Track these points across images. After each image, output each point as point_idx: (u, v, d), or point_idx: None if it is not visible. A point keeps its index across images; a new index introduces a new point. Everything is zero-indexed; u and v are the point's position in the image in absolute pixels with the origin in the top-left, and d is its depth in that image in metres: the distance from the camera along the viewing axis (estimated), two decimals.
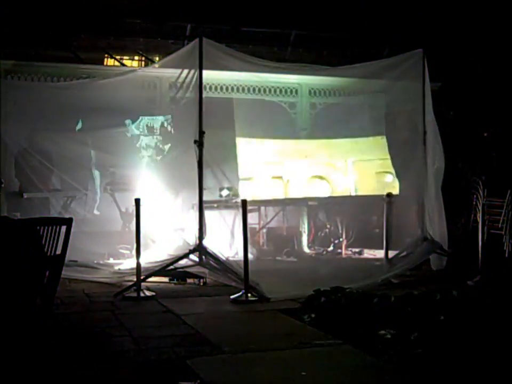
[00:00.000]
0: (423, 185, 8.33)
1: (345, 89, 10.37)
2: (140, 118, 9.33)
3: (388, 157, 9.57)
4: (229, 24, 11.67)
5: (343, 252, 9.79)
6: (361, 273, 7.40)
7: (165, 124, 9.41)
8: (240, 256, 7.27)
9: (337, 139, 9.87)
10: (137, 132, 9.29)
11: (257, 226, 9.85)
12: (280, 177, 9.47)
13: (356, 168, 9.87)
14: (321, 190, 9.68)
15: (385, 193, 8.14)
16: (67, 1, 10.80)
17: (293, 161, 9.73)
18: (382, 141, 9.68)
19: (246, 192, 8.95)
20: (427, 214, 8.26)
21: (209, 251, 7.19)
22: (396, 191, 8.98)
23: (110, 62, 11.84)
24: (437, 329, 4.97)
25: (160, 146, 9.38)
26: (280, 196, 9.51)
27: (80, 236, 7.08)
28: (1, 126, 8.13)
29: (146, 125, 9.39)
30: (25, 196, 8.54)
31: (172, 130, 9.31)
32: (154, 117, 9.47)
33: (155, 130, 9.44)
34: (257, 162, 9.47)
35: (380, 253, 9.08)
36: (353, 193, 9.76)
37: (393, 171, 9.54)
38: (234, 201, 8.88)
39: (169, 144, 9.15)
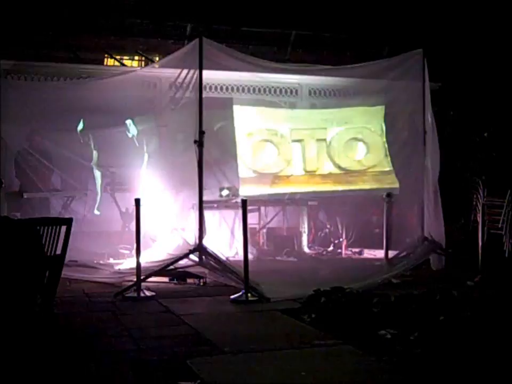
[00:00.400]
0: (422, 185, 8.33)
1: (345, 89, 10.37)
2: (140, 117, 9.32)
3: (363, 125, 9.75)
4: (229, 24, 11.67)
5: (343, 251, 9.79)
6: (361, 273, 7.40)
7: (165, 124, 9.40)
8: (240, 256, 7.27)
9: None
10: (137, 132, 9.28)
11: (257, 226, 9.85)
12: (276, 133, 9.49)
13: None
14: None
15: None
16: (67, 1, 10.80)
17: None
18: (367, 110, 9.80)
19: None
20: (426, 214, 8.25)
21: (209, 251, 7.19)
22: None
23: (110, 62, 11.83)
24: (437, 329, 4.97)
25: (160, 146, 9.37)
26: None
27: (80, 236, 7.07)
28: (1, 126, 8.12)
29: (146, 125, 9.39)
30: (25, 196, 8.54)
31: (172, 130, 9.30)
32: (154, 117, 9.46)
33: (155, 130, 9.43)
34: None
35: (380, 253, 9.09)
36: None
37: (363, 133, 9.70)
38: (234, 201, 8.88)
39: (169, 144, 9.14)
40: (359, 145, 9.77)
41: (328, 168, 9.65)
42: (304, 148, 9.60)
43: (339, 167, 9.65)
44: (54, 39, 10.93)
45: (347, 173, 9.66)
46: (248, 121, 9.44)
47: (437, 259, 8.21)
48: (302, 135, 9.62)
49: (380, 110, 9.70)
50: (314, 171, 9.63)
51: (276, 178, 9.42)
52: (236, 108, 9.39)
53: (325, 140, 9.66)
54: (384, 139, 9.67)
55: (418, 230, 8.35)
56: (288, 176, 9.50)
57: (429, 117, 8.37)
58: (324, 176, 9.62)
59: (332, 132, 9.71)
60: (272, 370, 4.25)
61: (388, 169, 9.60)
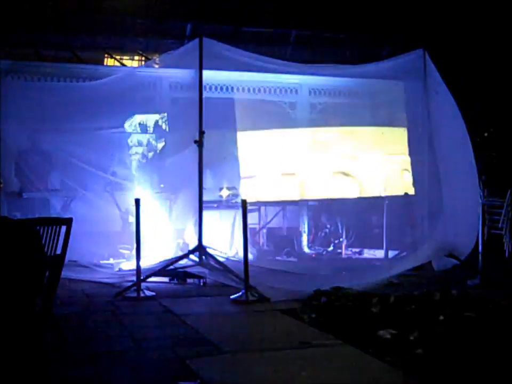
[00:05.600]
0: (425, 185, 8.28)
1: (347, 89, 10.34)
2: (140, 118, 9.31)
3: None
4: (230, 24, 11.68)
5: (343, 251, 9.79)
6: (361, 273, 7.39)
7: (166, 124, 9.40)
8: (240, 256, 7.27)
9: (362, 127, 9.23)
10: (137, 132, 9.27)
11: (257, 226, 9.84)
12: (294, 174, 9.02)
13: (384, 163, 9.30)
14: (349, 190, 9.09)
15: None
16: (68, 1, 10.81)
17: (309, 154, 9.05)
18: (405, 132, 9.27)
19: (248, 192, 8.61)
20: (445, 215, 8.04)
21: (209, 251, 7.20)
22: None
23: (110, 62, 11.84)
24: (437, 329, 4.97)
25: (161, 146, 9.37)
26: (295, 197, 9.04)
27: (80, 236, 7.06)
28: (1, 126, 8.12)
29: (147, 125, 9.38)
30: (25, 196, 8.53)
31: (172, 130, 9.30)
32: (155, 117, 9.46)
33: (155, 131, 9.43)
34: (263, 157, 8.96)
35: (380, 253, 9.09)
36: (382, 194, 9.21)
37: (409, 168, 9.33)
38: (234, 201, 8.88)
39: (170, 144, 9.14)
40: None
41: None
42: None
43: None
44: (53, 39, 10.94)
45: None
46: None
47: (438, 260, 8.15)
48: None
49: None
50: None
51: None
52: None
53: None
54: None
55: (419, 230, 8.34)
56: None
57: (439, 115, 8.21)
58: None
59: None
60: (272, 370, 4.25)
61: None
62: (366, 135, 9.40)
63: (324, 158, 9.19)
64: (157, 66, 9.51)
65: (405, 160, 9.31)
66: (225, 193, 9.06)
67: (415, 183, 8.95)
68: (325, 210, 10.30)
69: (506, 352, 4.49)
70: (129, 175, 9.01)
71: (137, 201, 6.84)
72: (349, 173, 9.15)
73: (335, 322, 5.34)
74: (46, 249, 4.90)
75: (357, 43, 12.27)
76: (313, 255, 9.72)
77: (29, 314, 4.63)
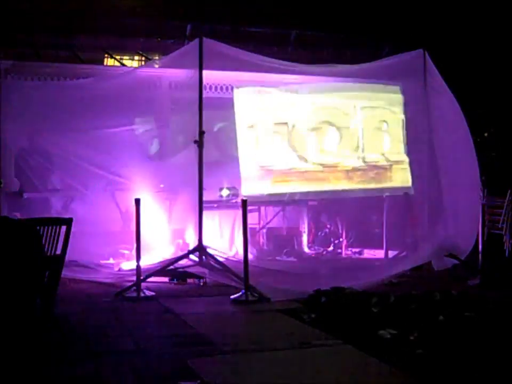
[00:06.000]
0: (425, 184, 8.27)
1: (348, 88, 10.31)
2: (140, 117, 9.31)
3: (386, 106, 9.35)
4: (229, 24, 11.68)
5: (343, 251, 9.79)
6: (361, 273, 7.39)
7: (165, 124, 9.39)
8: (240, 256, 7.27)
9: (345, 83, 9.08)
10: (136, 132, 9.27)
11: (257, 226, 9.84)
12: (285, 124, 8.79)
13: (363, 114, 9.17)
14: (330, 138, 8.89)
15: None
16: (67, 1, 10.81)
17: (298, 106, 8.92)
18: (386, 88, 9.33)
19: (250, 140, 8.58)
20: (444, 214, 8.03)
21: (209, 251, 7.20)
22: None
23: (110, 62, 11.85)
24: (437, 329, 4.98)
25: (160, 146, 9.37)
26: (285, 144, 8.77)
27: (80, 236, 7.07)
28: (1, 126, 8.11)
29: (146, 125, 9.37)
30: (25, 196, 8.53)
31: (172, 130, 9.30)
32: (154, 117, 9.45)
33: (155, 130, 9.43)
34: (259, 108, 8.77)
35: (380, 253, 9.10)
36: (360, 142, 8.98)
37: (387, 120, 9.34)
38: (234, 201, 8.88)
39: (170, 144, 9.14)
40: (384, 135, 9.23)
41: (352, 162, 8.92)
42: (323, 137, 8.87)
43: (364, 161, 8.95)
44: (54, 39, 10.94)
45: (372, 169, 8.99)
46: (251, 111, 8.79)
47: (438, 259, 8.15)
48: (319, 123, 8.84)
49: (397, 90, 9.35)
50: (335, 166, 8.96)
51: (287, 174, 8.76)
52: (237, 93, 8.83)
53: (348, 127, 8.99)
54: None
55: (419, 230, 8.34)
56: (302, 172, 8.75)
57: (438, 114, 8.19)
58: (347, 171, 8.92)
59: (356, 117, 9.08)
60: (272, 370, 4.24)
61: (406, 165, 9.23)
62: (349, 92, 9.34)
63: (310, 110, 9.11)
64: (157, 66, 9.51)
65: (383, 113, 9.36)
66: (225, 193, 9.07)
67: (415, 183, 8.94)
68: (325, 210, 10.30)
69: (506, 352, 4.49)
70: (130, 174, 9.01)
71: (137, 201, 6.84)
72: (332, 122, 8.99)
73: (335, 322, 5.34)
74: (46, 249, 4.91)
75: (357, 43, 12.26)
76: (313, 255, 9.72)
77: (29, 314, 4.64)
